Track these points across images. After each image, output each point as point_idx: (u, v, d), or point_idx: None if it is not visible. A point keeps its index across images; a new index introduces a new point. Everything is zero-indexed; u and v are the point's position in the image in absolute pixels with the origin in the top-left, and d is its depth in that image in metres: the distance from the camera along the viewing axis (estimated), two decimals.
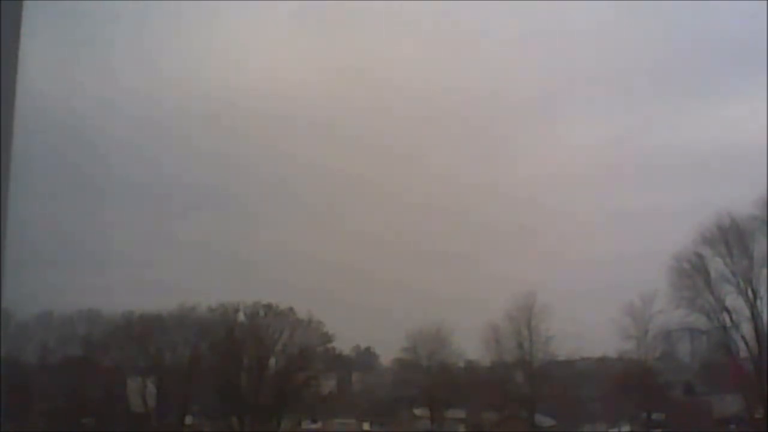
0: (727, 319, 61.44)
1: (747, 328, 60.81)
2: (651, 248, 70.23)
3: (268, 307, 68.30)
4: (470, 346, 70.14)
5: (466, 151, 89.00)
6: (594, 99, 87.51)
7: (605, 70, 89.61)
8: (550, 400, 68.17)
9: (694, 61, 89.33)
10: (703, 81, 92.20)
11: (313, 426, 73.21)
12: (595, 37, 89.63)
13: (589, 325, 63.62)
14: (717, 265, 61.30)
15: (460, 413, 71.44)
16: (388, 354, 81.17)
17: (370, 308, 76.70)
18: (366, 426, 73.35)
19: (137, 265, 72.76)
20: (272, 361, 69.36)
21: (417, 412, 72.22)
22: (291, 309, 68.45)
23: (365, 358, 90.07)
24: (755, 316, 60.14)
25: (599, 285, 72.93)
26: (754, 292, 60.03)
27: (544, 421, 68.65)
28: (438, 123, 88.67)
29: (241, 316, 69.19)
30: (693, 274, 61.90)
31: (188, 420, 67.94)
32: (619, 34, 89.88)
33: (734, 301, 60.93)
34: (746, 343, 61.11)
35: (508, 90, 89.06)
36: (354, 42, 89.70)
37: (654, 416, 66.14)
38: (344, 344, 78.19)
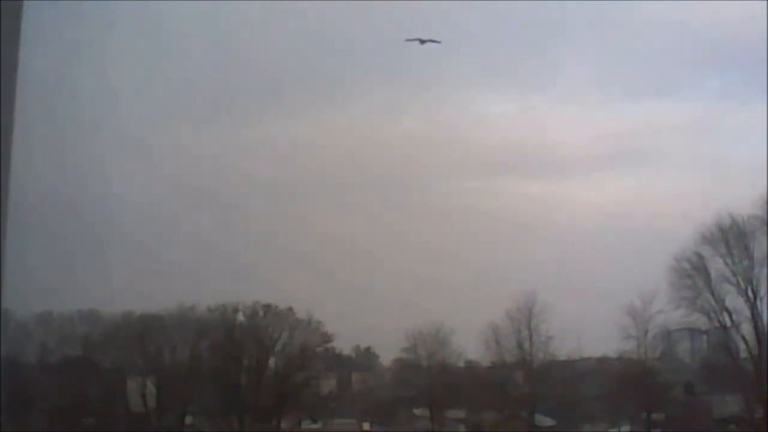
0: (727, 319, 61.52)
1: (747, 328, 60.89)
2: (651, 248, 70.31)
3: (268, 307, 68.25)
4: (470, 346, 70.12)
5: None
6: None
7: None
8: (550, 400, 68.16)
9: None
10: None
11: (313, 426, 73.10)
12: None
13: (589, 325, 63.66)
14: (717, 265, 61.45)
15: (460, 413, 71.36)
16: (388, 354, 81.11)
17: (370, 308, 76.64)
18: (366, 426, 73.25)
19: (137, 265, 72.60)
20: (272, 361, 69.32)
21: (417, 412, 72.13)
22: (291, 309, 68.42)
23: (365, 358, 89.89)
24: (755, 316, 60.18)
25: (599, 285, 72.86)
26: (754, 292, 60.07)
27: (544, 421, 68.60)
28: None
29: (240, 316, 69.27)
30: (693, 274, 61.93)
31: (188, 420, 67.91)
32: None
33: (734, 301, 61.07)
34: (746, 343, 61.14)
35: None
36: None
37: (654, 416, 66.09)
38: (344, 344, 78.19)
